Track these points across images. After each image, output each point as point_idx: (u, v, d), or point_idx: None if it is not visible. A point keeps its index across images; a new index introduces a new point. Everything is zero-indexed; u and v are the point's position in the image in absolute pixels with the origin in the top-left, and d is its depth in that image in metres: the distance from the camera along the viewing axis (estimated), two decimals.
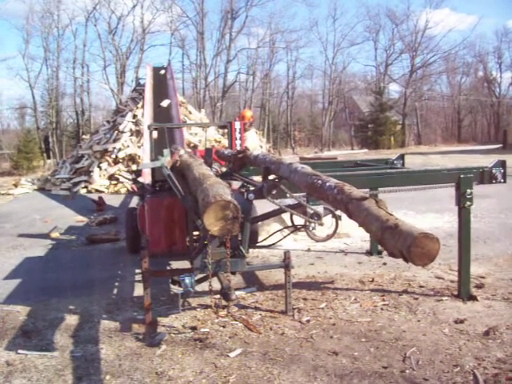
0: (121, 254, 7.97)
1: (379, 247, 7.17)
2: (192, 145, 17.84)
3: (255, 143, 10.34)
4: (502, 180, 5.52)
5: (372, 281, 6.06)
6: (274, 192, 4.63)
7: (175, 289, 5.37)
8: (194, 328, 4.75)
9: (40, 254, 8.25)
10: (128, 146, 18.50)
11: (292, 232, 6.64)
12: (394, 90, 58.13)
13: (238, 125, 7.81)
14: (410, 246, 2.22)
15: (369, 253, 7.40)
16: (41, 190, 18.51)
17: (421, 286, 5.79)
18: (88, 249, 8.56)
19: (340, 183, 3.14)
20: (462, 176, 5.11)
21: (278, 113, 53.83)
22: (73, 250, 8.55)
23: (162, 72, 16.73)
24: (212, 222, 3.05)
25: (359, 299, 5.43)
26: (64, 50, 44.81)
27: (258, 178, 5.89)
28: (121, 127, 19.33)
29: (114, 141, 18.92)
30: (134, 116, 19.64)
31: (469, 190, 5.10)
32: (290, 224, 6.33)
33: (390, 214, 2.50)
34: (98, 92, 73.46)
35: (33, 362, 4.16)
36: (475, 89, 58.54)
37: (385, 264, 6.79)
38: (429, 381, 3.65)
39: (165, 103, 14.24)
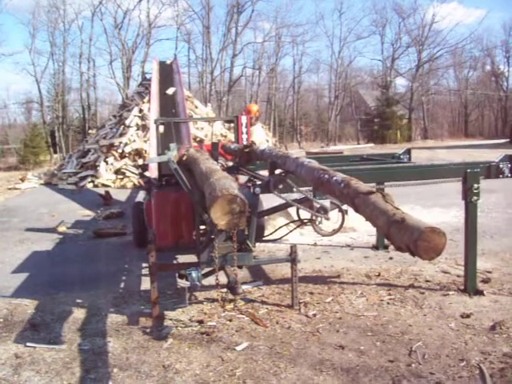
0: (127, 248, 8.01)
1: (385, 242, 7.17)
2: (198, 139, 17.85)
3: (261, 138, 10.33)
4: (509, 175, 5.51)
5: (378, 275, 6.07)
6: (280, 186, 4.64)
7: (182, 283, 5.40)
8: (200, 322, 4.77)
9: (47, 248, 8.30)
10: (134, 141, 18.54)
11: (298, 226, 6.64)
12: (400, 84, 58.00)
13: (244, 119, 7.80)
14: (417, 240, 2.22)
15: (375, 247, 7.40)
16: (47, 184, 18.58)
17: (427, 281, 5.79)
18: (95, 243, 8.59)
19: (347, 177, 3.14)
20: (468, 171, 5.10)
21: (284, 107, 53.71)
22: (80, 244, 8.59)
23: (168, 62, 16.80)
24: (219, 216, 3.06)
25: (365, 293, 5.44)
26: (70, 45, 44.93)
27: (264, 173, 5.89)
28: (127, 122, 19.36)
29: (121, 135, 18.97)
30: (140, 110, 19.66)
31: (475, 185, 5.09)
32: (296, 218, 6.33)
33: (397, 209, 2.50)
34: (104, 86, 73.67)
35: (41, 355, 4.19)
36: (482, 83, 58.20)
37: (391, 258, 6.79)
38: (435, 375, 3.66)
39: (170, 91, 14.27)
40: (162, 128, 7.84)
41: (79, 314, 5.15)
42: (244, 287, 5.36)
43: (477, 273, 5.40)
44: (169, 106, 14.22)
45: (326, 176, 3.42)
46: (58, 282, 6.23)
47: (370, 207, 2.65)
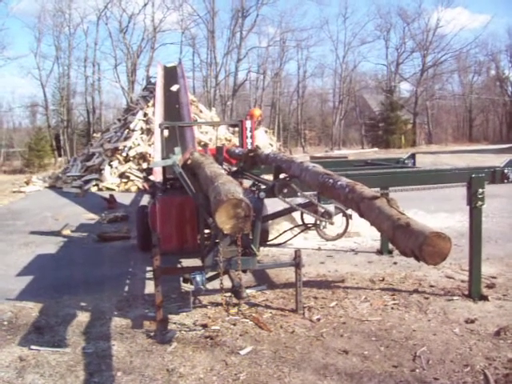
0: (131, 252, 8.02)
1: (390, 246, 7.16)
2: (203, 143, 17.88)
3: (264, 142, 10.37)
4: None
5: (382, 280, 6.06)
6: (285, 191, 4.64)
7: (186, 287, 5.40)
8: (204, 326, 4.77)
9: (52, 251, 8.32)
10: (139, 145, 18.57)
11: (302, 231, 6.65)
12: (404, 88, 57.72)
13: (248, 123, 7.82)
14: (422, 245, 2.22)
15: (379, 252, 7.38)
16: (52, 187, 18.64)
17: (431, 286, 5.77)
18: (99, 246, 8.61)
19: (351, 182, 3.15)
20: (473, 176, 5.09)
21: (289, 111, 53.65)
22: (84, 247, 8.61)
23: (169, 65, 16.94)
24: (224, 220, 3.06)
25: (369, 298, 5.43)
26: (75, 49, 44.92)
27: (268, 177, 5.90)
28: (131, 125, 19.41)
29: (125, 139, 19.01)
30: (145, 114, 19.70)
31: (480, 190, 5.08)
32: (300, 223, 6.34)
33: (402, 213, 2.50)
34: (109, 90, 73.50)
35: (45, 358, 4.20)
36: (487, 88, 57.95)
37: (395, 263, 6.78)
38: (439, 380, 3.65)
39: (174, 87, 14.33)
40: (166, 132, 7.85)
41: (83, 317, 5.16)
42: (248, 291, 5.35)
43: (481, 278, 5.38)
44: (173, 104, 14.26)
45: (331, 181, 3.42)
46: (63, 286, 6.24)
47: (374, 212, 2.66)
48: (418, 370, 3.80)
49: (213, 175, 4.09)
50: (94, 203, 13.79)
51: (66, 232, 9.69)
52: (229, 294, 4.73)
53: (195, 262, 5.80)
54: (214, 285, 4.97)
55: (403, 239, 2.35)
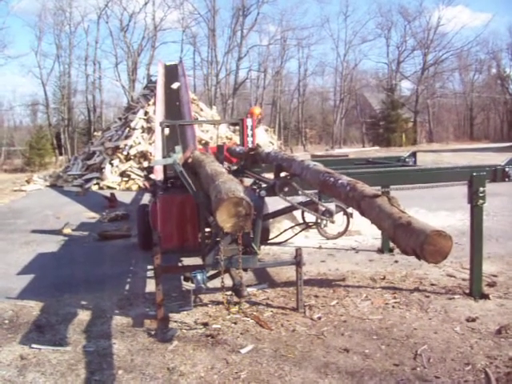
0: (132, 251, 8.02)
1: (390, 245, 7.15)
2: (203, 142, 17.87)
3: (264, 140, 10.35)
4: None
5: (383, 278, 6.06)
6: (285, 189, 4.63)
7: (187, 285, 5.40)
8: (205, 324, 4.77)
9: (52, 249, 8.32)
10: (139, 143, 18.57)
11: (303, 229, 6.65)
12: (405, 87, 57.75)
13: (249, 122, 7.82)
14: (423, 244, 2.22)
15: (380, 250, 7.38)
16: (53, 186, 18.68)
17: (432, 284, 5.77)
18: (100, 245, 8.61)
19: (352, 181, 3.14)
20: (474, 174, 5.08)
21: (289, 110, 53.67)
22: (85, 246, 8.61)
23: (168, 63, 16.99)
24: (225, 219, 3.06)
25: (370, 297, 5.43)
26: (76, 47, 45.04)
27: (269, 175, 5.89)
28: (132, 124, 19.41)
29: (126, 138, 19.02)
30: (146, 113, 19.71)
31: (481, 188, 5.07)
32: (301, 221, 6.33)
33: (403, 212, 2.50)
34: (110, 89, 73.69)
35: (46, 357, 4.20)
36: (488, 86, 57.88)
37: (396, 262, 6.77)
38: (440, 379, 3.65)
39: (175, 85, 14.36)
40: (167, 130, 7.85)
41: (84, 315, 5.16)
42: (249, 290, 5.35)
43: (482, 276, 5.38)
44: (173, 102, 14.27)
45: (332, 179, 3.42)
46: (63, 284, 6.24)
47: (375, 210, 2.65)
48: (418, 369, 3.80)
49: (213, 174, 4.08)
50: (95, 202, 13.80)
51: (67, 231, 9.69)
52: (230, 292, 4.72)
53: (196, 261, 5.80)
54: (215, 283, 4.97)
55: (404, 238, 2.34)
